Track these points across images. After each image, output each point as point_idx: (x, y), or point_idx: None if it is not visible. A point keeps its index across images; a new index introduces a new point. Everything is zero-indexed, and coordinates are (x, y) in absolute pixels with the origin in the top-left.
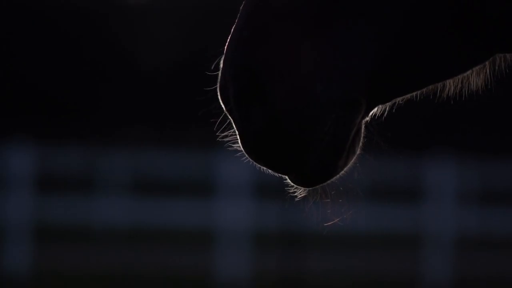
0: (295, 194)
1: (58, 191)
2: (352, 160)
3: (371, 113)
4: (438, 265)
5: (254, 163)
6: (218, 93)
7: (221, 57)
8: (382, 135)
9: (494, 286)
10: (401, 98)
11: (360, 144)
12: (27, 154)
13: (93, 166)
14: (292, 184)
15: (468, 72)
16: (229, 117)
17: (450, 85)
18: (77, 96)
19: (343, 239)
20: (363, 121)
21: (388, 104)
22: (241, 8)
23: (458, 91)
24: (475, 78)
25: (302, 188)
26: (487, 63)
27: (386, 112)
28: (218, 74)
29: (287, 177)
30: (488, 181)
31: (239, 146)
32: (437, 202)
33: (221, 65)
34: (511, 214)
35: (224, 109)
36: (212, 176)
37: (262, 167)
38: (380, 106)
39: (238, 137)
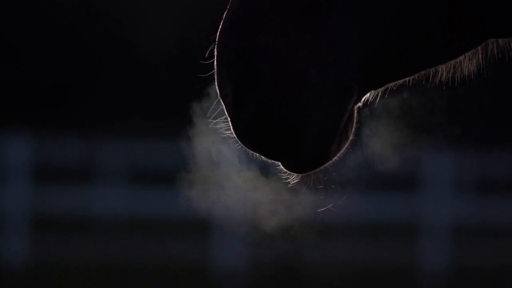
0: (288, 181)
1: (55, 181)
2: (345, 146)
3: (363, 99)
4: (435, 255)
5: (247, 149)
6: (215, 79)
7: (215, 44)
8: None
9: (491, 276)
10: (393, 83)
11: (353, 129)
12: (24, 144)
13: (91, 157)
14: (285, 170)
15: (461, 57)
16: (222, 103)
17: (443, 70)
18: (75, 87)
19: (339, 228)
20: (356, 107)
21: (380, 90)
22: None
23: (450, 76)
24: (467, 63)
25: (295, 175)
26: (479, 48)
27: (378, 98)
28: (213, 62)
29: (280, 164)
30: (486, 170)
31: (231, 133)
32: (434, 191)
33: (215, 52)
34: (508, 203)
35: (218, 94)
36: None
37: (254, 153)
38: (372, 91)
39: (230, 123)
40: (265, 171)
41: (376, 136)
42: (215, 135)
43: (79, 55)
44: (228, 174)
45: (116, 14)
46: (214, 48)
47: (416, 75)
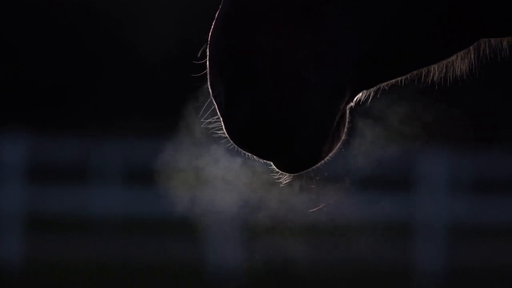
0: (279, 181)
1: (54, 181)
2: (338, 146)
3: (355, 98)
4: (431, 255)
5: (239, 149)
6: (208, 79)
7: (207, 44)
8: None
9: (486, 275)
10: (385, 83)
11: (345, 129)
12: (23, 144)
13: (90, 156)
14: (277, 170)
15: (453, 57)
16: (214, 103)
17: (435, 70)
18: (74, 87)
19: (334, 228)
20: (348, 106)
21: (372, 89)
22: None
23: (442, 75)
24: (459, 63)
25: (287, 175)
26: (471, 47)
27: (371, 98)
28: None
29: (271, 164)
30: (481, 170)
31: (224, 133)
32: (430, 191)
33: (207, 51)
34: (504, 203)
35: (211, 94)
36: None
37: (246, 153)
38: (364, 91)
39: (222, 123)
40: (260, 172)
41: (372, 136)
42: (210, 135)
43: (79, 55)
44: (225, 174)
45: (116, 14)
46: (207, 47)
47: (408, 75)
